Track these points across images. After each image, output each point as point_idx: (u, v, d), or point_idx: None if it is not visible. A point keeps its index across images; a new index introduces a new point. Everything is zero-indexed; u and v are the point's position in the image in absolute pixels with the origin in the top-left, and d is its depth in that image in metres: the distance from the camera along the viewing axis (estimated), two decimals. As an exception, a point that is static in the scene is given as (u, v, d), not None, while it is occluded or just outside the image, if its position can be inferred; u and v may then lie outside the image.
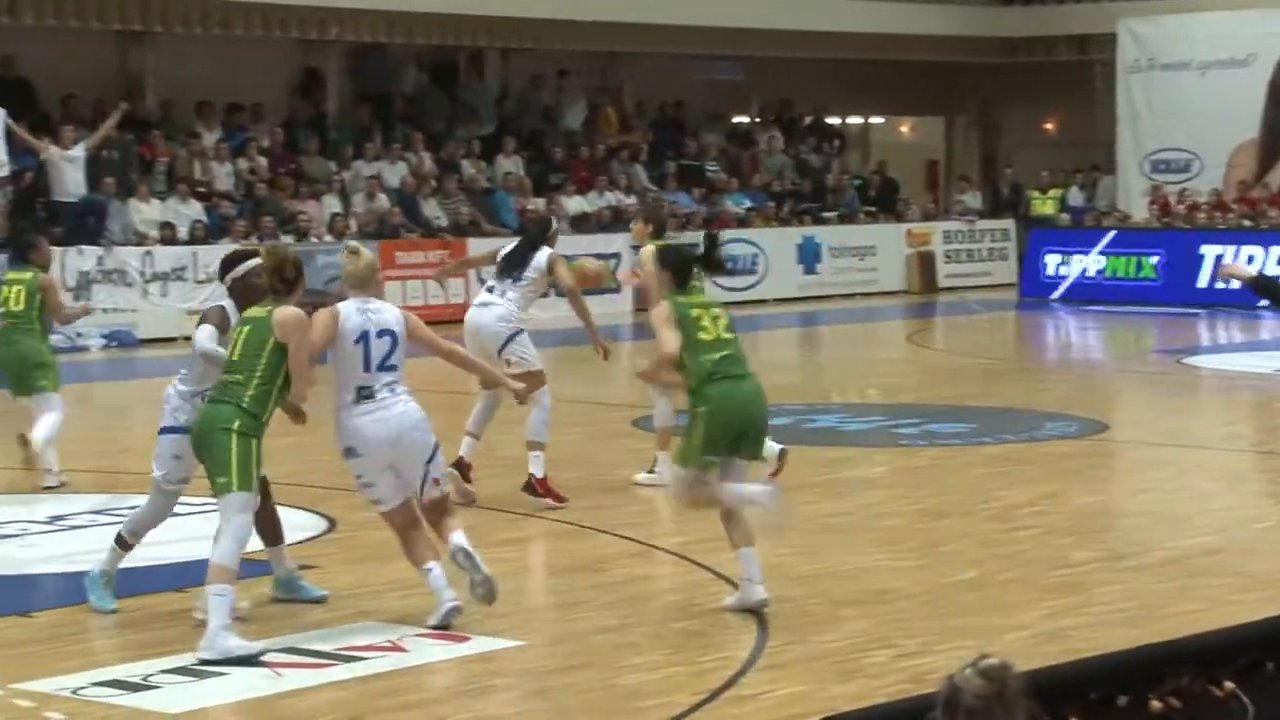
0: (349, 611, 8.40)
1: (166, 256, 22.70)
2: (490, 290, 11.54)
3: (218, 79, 25.67)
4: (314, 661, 7.58)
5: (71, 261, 21.65)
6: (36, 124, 22.87)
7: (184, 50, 25.47)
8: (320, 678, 7.40)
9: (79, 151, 22.20)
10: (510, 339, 11.37)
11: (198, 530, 10.25)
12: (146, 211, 23.32)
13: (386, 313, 8.19)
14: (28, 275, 12.13)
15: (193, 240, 23.15)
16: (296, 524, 10.40)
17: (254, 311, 8.09)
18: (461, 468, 11.26)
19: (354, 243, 9.29)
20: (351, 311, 8.12)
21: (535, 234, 11.91)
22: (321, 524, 10.58)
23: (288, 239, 23.75)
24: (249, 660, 7.53)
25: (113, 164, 23.17)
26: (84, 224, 22.31)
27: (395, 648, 7.78)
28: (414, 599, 8.62)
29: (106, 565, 8.40)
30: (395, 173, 26.39)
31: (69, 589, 8.89)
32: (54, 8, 23.67)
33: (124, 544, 8.44)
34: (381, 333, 8.09)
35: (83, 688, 7.18)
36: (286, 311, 7.97)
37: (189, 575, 8.75)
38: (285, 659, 7.59)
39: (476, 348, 11.06)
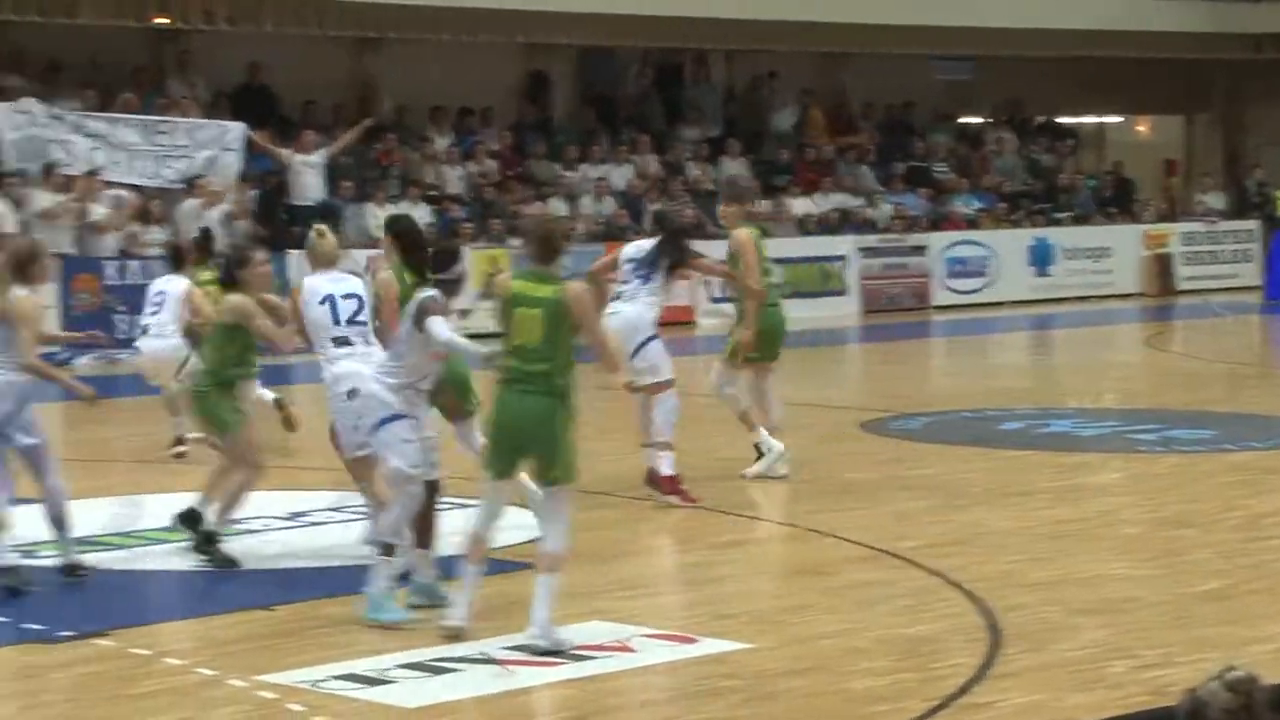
0: (578, 611, 8.49)
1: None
2: (618, 296, 11.63)
3: (449, 84, 26.13)
4: (544, 660, 7.69)
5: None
6: (278, 130, 23.52)
7: (417, 56, 25.97)
8: (550, 676, 7.50)
9: (319, 157, 22.79)
10: (643, 345, 11.41)
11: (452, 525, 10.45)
12: (380, 215, 23.81)
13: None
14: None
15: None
16: (521, 524, 10.54)
17: (530, 289, 7.82)
18: (658, 481, 11.29)
19: (321, 226, 9.60)
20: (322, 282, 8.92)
21: (671, 234, 11.83)
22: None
23: (515, 242, 24.09)
24: (484, 658, 7.68)
25: (351, 169, 23.72)
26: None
27: (624, 648, 7.86)
28: (642, 599, 8.71)
29: (390, 578, 8.37)
30: (621, 175, 26.61)
31: (308, 583, 9.15)
32: (295, 16, 24.29)
33: (392, 550, 8.40)
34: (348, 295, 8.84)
35: (322, 681, 7.37)
36: (577, 287, 8.00)
37: (448, 569, 8.93)
38: (516, 656, 7.72)
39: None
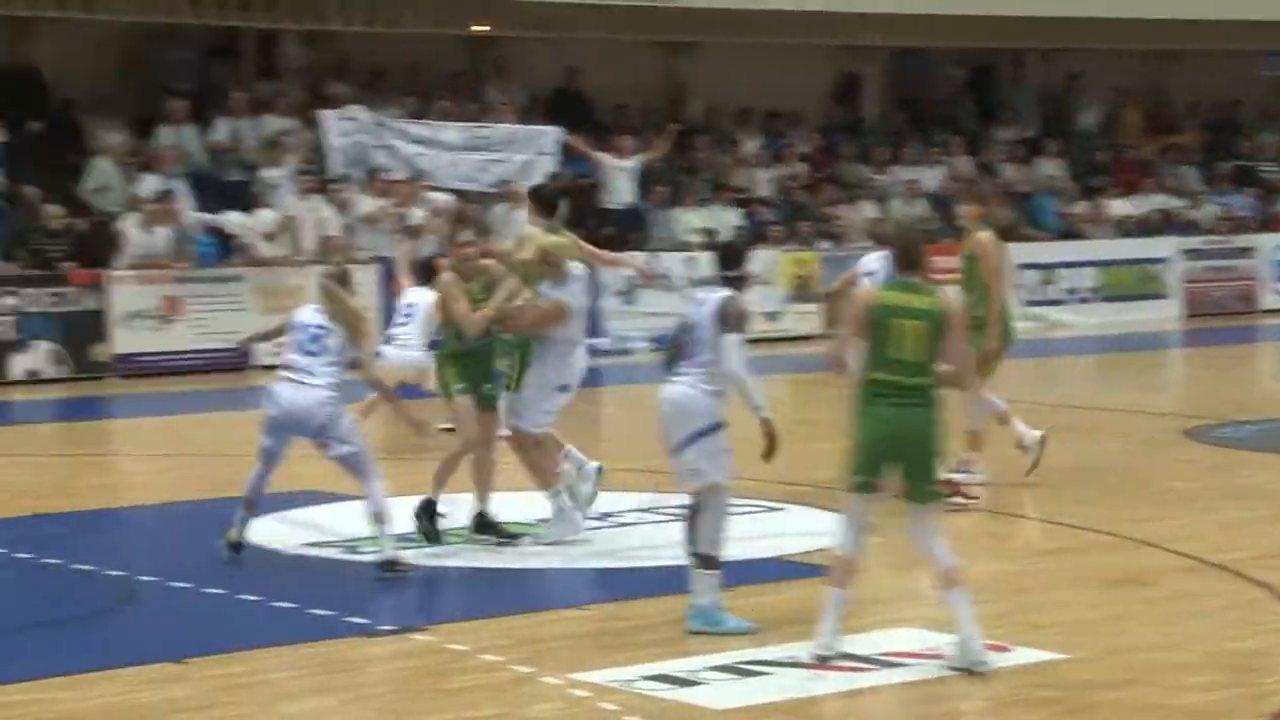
0: (889, 616, 8.42)
1: (709, 262, 23.24)
2: None
3: (759, 87, 26.17)
4: (854, 665, 7.63)
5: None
6: (592, 134, 23.84)
7: (727, 59, 26.08)
8: (860, 681, 7.45)
9: (633, 163, 23.07)
10: None
11: (744, 530, 10.50)
12: (689, 218, 23.97)
13: None
14: None
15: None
16: (816, 528, 10.50)
17: (906, 301, 7.62)
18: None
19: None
20: None
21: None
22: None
23: (824, 244, 24.05)
24: (793, 662, 7.65)
25: (662, 173, 23.93)
26: (631, 230, 23.11)
27: (935, 655, 7.76)
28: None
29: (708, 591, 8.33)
30: (932, 176, 26.33)
31: (619, 583, 9.24)
32: (608, 22, 24.61)
33: (713, 562, 8.34)
34: None
35: (633, 680, 7.44)
36: (954, 297, 7.90)
37: (746, 574, 8.99)
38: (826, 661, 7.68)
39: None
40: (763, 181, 25.33)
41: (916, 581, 9.12)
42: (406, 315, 13.93)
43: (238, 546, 9.86)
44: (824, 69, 27.42)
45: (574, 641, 8.15)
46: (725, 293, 8.40)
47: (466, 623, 8.47)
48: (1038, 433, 11.89)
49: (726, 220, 24.04)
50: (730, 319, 8.30)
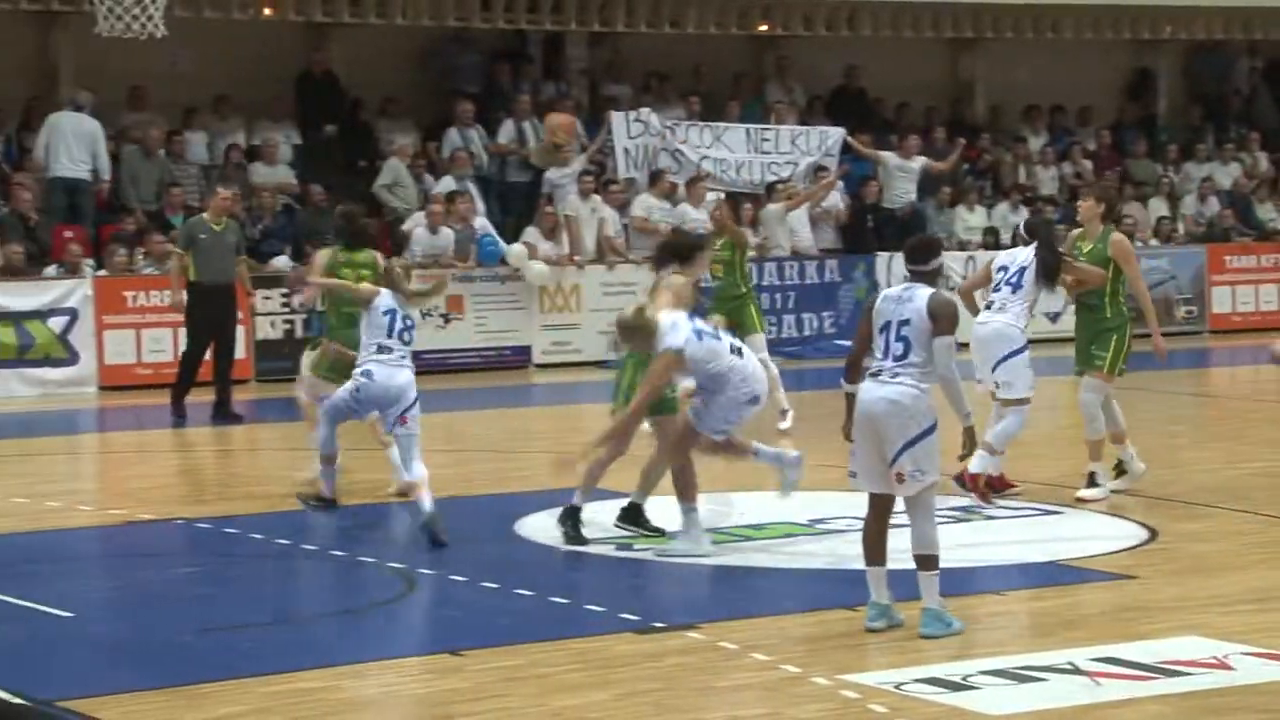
0: (1172, 624, 8.22)
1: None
2: (989, 306, 11.35)
3: (1045, 83, 25.76)
4: (1135, 673, 7.47)
5: (896, 266, 22.29)
6: (873, 132, 23.72)
7: (1012, 56, 25.72)
8: (1140, 690, 7.28)
9: (916, 164, 22.88)
10: (1008, 357, 11.10)
11: (1019, 534, 10.36)
12: (970, 218, 23.67)
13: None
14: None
15: (1014, 245, 23.29)
16: (1115, 533, 10.29)
17: None
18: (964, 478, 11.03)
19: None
20: None
21: (1045, 244, 11.28)
22: (1141, 534, 10.42)
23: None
24: (1071, 668, 7.52)
25: (944, 172, 23.68)
26: (912, 230, 22.91)
27: (1221, 665, 7.55)
28: (1243, 615, 8.35)
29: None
30: (1227, 174, 25.60)
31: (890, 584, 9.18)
32: (890, 20, 24.50)
33: (934, 562, 8.21)
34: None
35: (905, 683, 7.38)
36: None
37: (1021, 578, 8.85)
38: (1105, 669, 7.53)
39: (980, 360, 11.18)
40: (1047, 179, 24.91)
41: (1204, 589, 8.89)
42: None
43: (331, 504, 11.20)
44: (1116, 64, 26.86)
45: (844, 642, 8.12)
46: (930, 291, 8.27)
47: (737, 621, 8.50)
48: (1143, 466, 11.53)
49: (1009, 219, 23.68)
50: (941, 319, 8.19)
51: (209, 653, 8.19)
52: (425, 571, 9.66)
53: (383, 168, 21.37)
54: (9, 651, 8.01)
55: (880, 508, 8.25)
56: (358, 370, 11.03)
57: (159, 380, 18.03)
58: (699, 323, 10.00)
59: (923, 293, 8.25)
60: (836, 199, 22.50)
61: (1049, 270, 11.18)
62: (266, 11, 21.46)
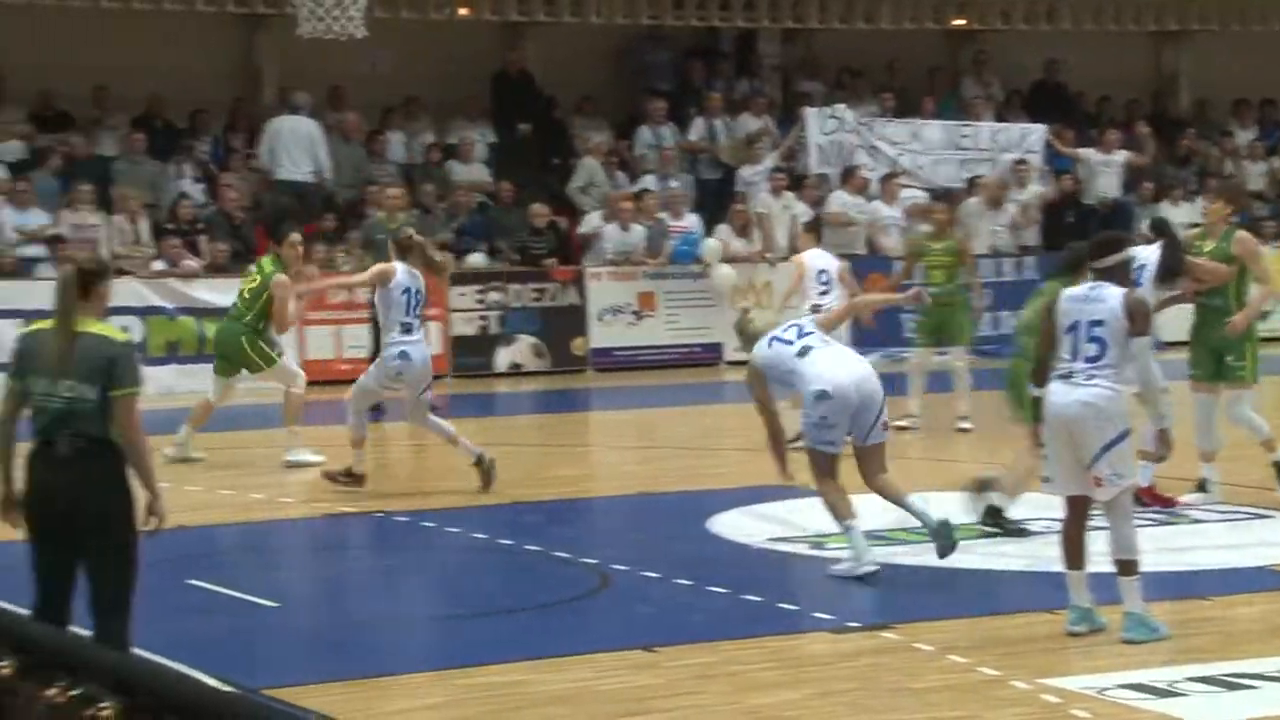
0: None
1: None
2: None
3: (1255, 76, 25.15)
4: (1351, 684, 7.24)
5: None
6: (1075, 127, 23.36)
7: (1218, 48, 25.16)
8: (1358, 701, 7.06)
9: (1119, 157, 22.50)
10: None
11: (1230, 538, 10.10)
12: (1174, 214, 23.13)
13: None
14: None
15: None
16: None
17: None
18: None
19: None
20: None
21: (1170, 241, 10.79)
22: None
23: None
24: (1280, 675, 7.32)
25: (1147, 167, 23.25)
26: (1115, 226, 22.50)
27: None
28: None
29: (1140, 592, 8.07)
30: None
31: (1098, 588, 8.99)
32: (1092, 12, 24.11)
33: (1133, 566, 8.03)
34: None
35: (1108, 689, 7.22)
36: None
37: (1230, 583, 8.69)
38: (1318, 678, 7.31)
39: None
40: (1255, 174, 24.32)
41: None
42: (824, 283, 14.19)
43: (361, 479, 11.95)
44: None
45: (1044, 645, 7.96)
46: (1121, 290, 8.06)
47: (933, 622, 8.38)
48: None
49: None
50: (1138, 318, 7.98)
51: (405, 644, 8.27)
52: (619, 567, 9.66)
53: (577, 167, 21.48)
54: (218, 640, 8.17)
55: (1078, 511, 8.08)
56: (391, 352, 11.20)
57: (356, 376, 18.25)
58: (782, 329, 9.78)
59: (1113, 291, 8.04)
60: (1038, 191, 22.09)
61: (1170, 268, 10.84)
62: (462, 11, 21.70)
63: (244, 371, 13.70)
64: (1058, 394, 8.03)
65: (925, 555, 9.79)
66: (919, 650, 7.88)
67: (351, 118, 21.05)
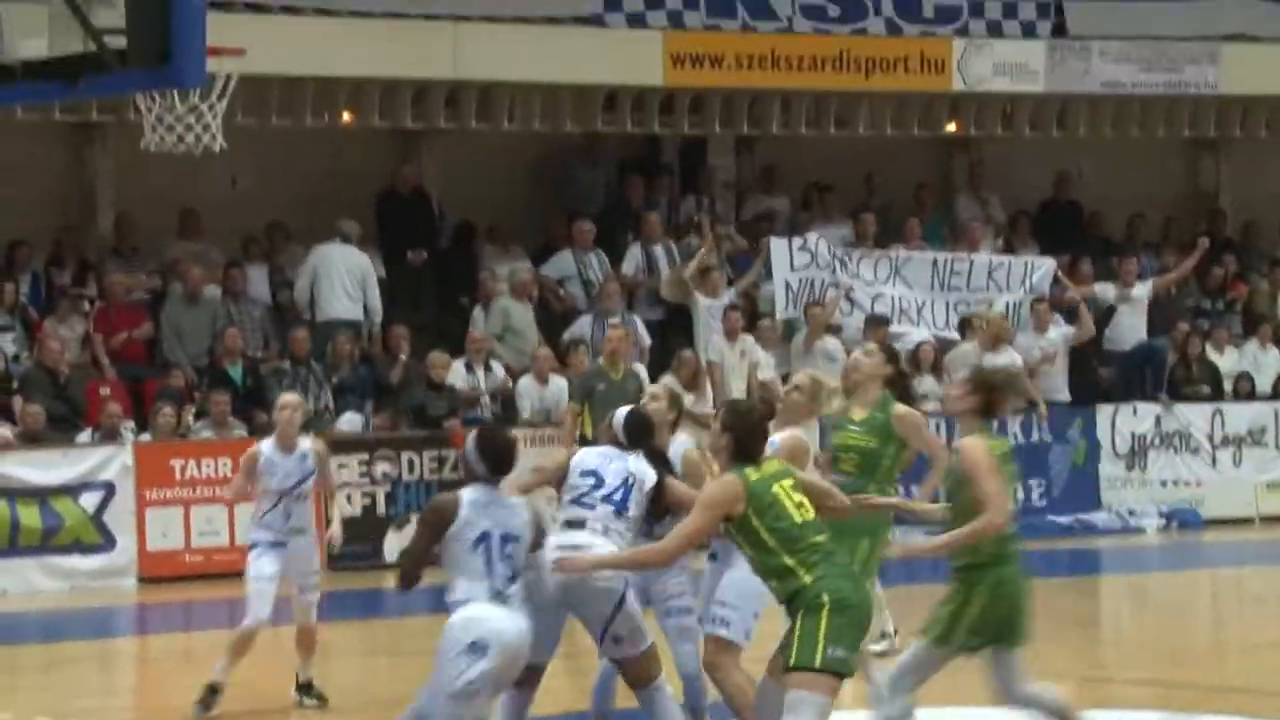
0: None
1: (1240, 416, 22.65)
2: None
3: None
4: None
5: (1123, 422, 22.06)
6: (1092, 254, 23.52)
7: (1266, 157, 25.50)
8: None
9: (1141, 290, 22.61)
10: None
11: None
12: (1220, 361, 23.33)
13: None
14: None
15: (1276, 394, 22.99)
16: None
17: None
18: None
19: None
20: None
21: None
22: None
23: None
24: None
25: (1179, 303, 23.42)
26: (1140, 375, 22.68)
27: None
28: None
29: None
30: None
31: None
32: (1112, 115, 24.14)
33: None
34: None
35: None
36: None
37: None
38: None
39: None
40: (1312, 311, 24.58)
41: None
42: None
43: None
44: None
45: None
46: None
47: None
48: None
49: (1261, 362, 23.34)
50: None
51: None
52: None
53: (490, 310, 21.32)
54: None
55: None
56: None
57: (210, 569, 18.17)
58: None
59: None
60: (1062, 336, 22.06)
61: None
62: (345, 117, 21.62)
63: None
64: None
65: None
66: None
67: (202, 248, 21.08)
